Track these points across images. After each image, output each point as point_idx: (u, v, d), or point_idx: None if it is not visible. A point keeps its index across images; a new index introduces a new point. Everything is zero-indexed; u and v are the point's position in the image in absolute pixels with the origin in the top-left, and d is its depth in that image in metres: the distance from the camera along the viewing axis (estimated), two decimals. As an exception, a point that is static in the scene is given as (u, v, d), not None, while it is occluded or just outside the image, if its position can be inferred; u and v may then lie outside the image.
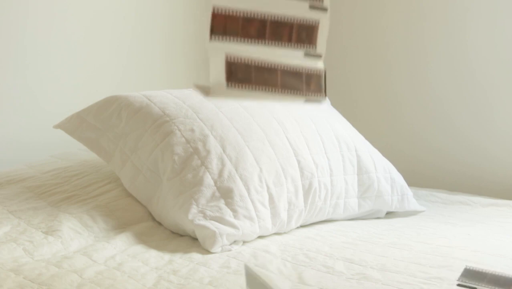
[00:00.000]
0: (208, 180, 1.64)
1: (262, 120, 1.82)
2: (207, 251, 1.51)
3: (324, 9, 0.86)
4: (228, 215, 1.58)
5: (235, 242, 1.57)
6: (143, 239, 1.58)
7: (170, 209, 1.63)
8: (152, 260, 1.43)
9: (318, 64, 0.87)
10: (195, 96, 1.86)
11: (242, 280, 1.27)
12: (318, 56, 0.87)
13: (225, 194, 1.62)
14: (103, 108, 1.86)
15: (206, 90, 0.81)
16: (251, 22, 0.81)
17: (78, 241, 1.53)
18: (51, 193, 1.81)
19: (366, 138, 2.09)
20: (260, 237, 1.65)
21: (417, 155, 2.65)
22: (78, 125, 1.88)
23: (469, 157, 2.51)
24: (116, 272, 1.34)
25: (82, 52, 2.42)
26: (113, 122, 1.82)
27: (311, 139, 1.85)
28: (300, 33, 0.85)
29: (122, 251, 1.49)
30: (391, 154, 2.24)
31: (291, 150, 1.79)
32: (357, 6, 2.81)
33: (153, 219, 1.71)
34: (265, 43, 0.83)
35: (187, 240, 1.59)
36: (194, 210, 1.58)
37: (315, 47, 0.87)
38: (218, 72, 0.81)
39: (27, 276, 1.29)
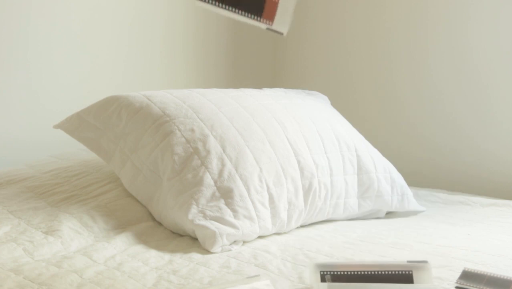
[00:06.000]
0: (208, 180, 1.64)
1: (262, 120, 1.82)
2: (207, 251, 1.51)
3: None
4: (228, 215, 1.58)
5: (235, 242, 1.57)
6: (143, 239, 1.58)
7: (170, 209, 1.63)
8: (152, 260, 1.43)
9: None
10: (195, 96, 1.86)
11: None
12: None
13: (225, 194, 1.62)
14: (103, 108, 1.86)
15: None
16: None
17: (78, 241, 1.53)
18: (51, 193, 1.81)
19: (366, 138, 2.09)
20: (260, 237, 1.65)
21: (417, 154, 2.65)
22: (78, 125, 1.88)
23: (470, 156, 2.51)
24: (116, 272, 1.34)
25: (82, 52, 2.42)
26: (113, 122, 1.82)
27: (311, 139, 1.85)
28: None
29: (122, 251, 1.49)
30: (391, 153, 2.24)
31: (291, 150, 1.79)
32: (358, 4, 2.81)
33: (153, 219, 1.71)
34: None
35: (187, 240, 1.59)
36: (194, 210, 1.58)
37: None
38: None
39: (27, 276, 1.29)
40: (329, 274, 1.22)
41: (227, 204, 1.61)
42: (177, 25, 2.69)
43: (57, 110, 2.22)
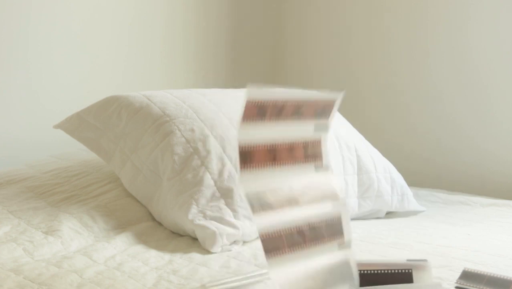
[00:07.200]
0: (208, 180, 1.64)
1: (262, 120, 1.82)
2: (207, 251, 1.51)
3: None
4: (228, 215, 1.58)
5: (235, 242, 1.57)
6: (143, 239, 1.58)
7: (170, 209, 1.63)
8: (152, 260, 1.43)
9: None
10: (195, 96, 1.86)
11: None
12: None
13: (225, 194, 1.62)
14: (103, 108, 1.86)
15: None
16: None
17: (78, 241, 1.53)
18: (51, 193, 1.81)
19: (366, 138, 2.09)
20: (260, 237, 1.65)
21: (417, 154, 2.65)
22: (78, 125, 1.88)
23: (470, 156, 2.51)
24: (116, 272, 1.34)
25: (82, 52, 2.42)
26: (113, 122, 1.82)
27: (311, 139, 1.85)
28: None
29: (122, 251, 1.49)
30: (391, 153, 2.24)
31: (291, 149, 1.79)
32: (358, 4, 2.81)
33: (153, 219, 1.70)
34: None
35: (187, 240, 1.59)
36: (194, 210, 1.58)
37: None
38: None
39: (27, 276, 1.29)
40: (329, 274, 1.22)
41: (227, 204, 1.61)
42: (177, 25, 2.69)
43: (57, 110, 2.22)
